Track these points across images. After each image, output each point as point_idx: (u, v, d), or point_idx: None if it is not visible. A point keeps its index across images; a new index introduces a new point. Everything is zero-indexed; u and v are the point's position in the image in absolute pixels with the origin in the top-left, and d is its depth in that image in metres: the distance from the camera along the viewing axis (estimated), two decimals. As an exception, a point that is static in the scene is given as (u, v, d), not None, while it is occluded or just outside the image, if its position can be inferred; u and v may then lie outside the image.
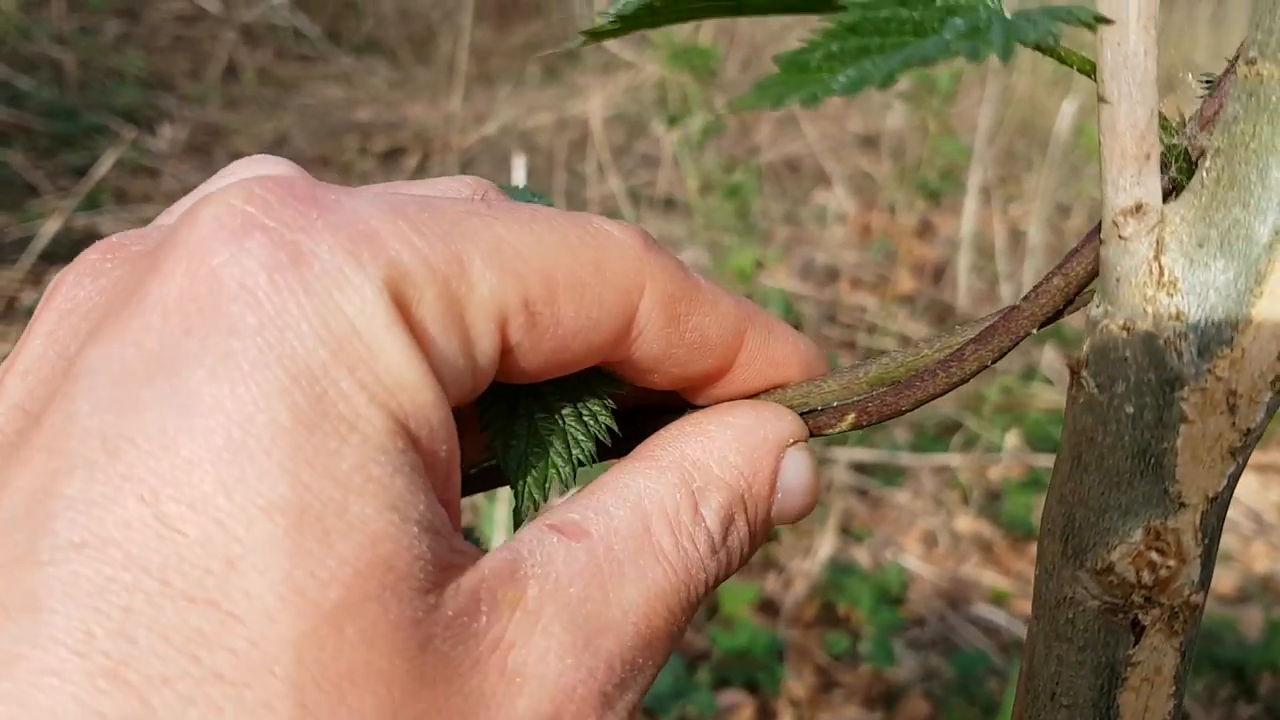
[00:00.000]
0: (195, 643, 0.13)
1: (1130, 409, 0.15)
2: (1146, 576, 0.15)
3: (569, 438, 0.21)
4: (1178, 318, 0.15)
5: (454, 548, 0.16)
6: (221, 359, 0.15)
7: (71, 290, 0.18)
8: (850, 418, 0.21)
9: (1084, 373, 0.16)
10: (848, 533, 1.35)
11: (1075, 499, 0.16)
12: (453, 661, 0.15)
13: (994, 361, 0.19)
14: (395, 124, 2.04)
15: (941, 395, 0.20)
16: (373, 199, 0.17)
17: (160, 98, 1.88)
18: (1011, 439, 1.49)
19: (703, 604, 0.21)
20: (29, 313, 1.28)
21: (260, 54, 2.15)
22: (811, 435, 0.22)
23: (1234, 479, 0.15)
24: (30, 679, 0.13)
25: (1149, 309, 0.15)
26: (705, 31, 1.94)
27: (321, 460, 0.14)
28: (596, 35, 0.21)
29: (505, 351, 0.18)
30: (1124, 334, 0.15)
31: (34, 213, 1.38)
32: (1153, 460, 0.15)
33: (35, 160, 1.53)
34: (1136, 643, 0.16)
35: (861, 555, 1.32)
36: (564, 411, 0.21)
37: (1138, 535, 0.15)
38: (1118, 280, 0.16)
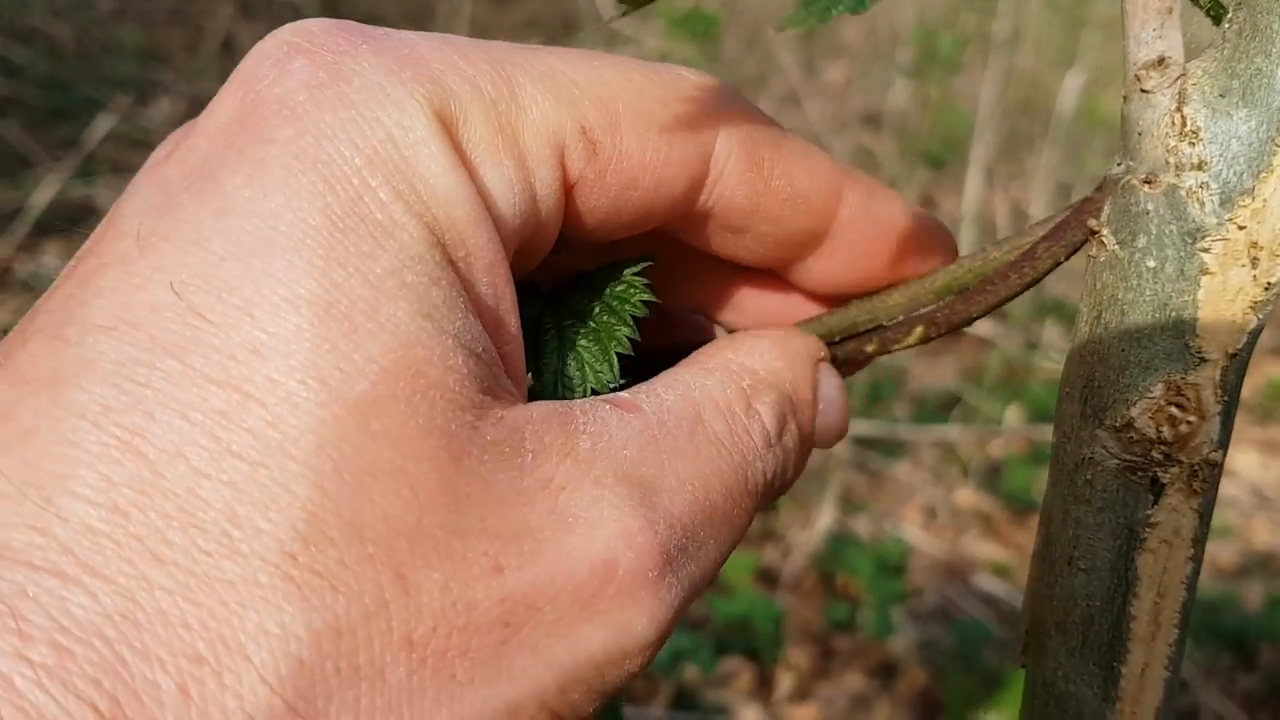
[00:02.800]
0: (213, 421, 0.13)
1: (1152, 263, 0.15)
2: (1167, 432, 0.15)
3: (600, 349, 0.20)
4: (1200, 167, 0.15)
5: (498, 380, 0.16)
6: (257, 165, 0.15)
7: (157, 153, 0.19)
8: (919, 330, 0.20)
9: (1104, 231, 0.16)
10: (847, 504, 1.35)
11: (1095, 358, 0.16)
12: (493, 486, 0.15)
13: (1067, 257, 0.18)
14: (393, 99, 2.03)
15: (1014, 297, 0.19)
16: (423, 35, 0.17)
17: (157, 71, 1.87)
18: (1012, 413, 1.49)
19: (767, 508, 0.20)
20: (24, 284, 1.28)
21: (257, 28, 2.13)
22: (879, 353, 0.21)
23: (1254, 336, 0.15)
24: (46, 448, 0.13)
25: (1171, 160, 0.15)
26: (706, 5, 1.93)
27: (354, 261, 0.14)
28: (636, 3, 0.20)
29: (569, 189, 0.17)
30: (1146, 187, 0.15)
31: (29, 184, 1.38)
32: (1173, 315, 0.15)
33: (31, 132, 1.52)
34: (1155, 502, 0.16)
35: (861, 527, 1.32)
36: (595, 319, 0.20)
37: (1158, 390, 0.15)
38: (1139, 134, 0.15)
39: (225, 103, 0.16)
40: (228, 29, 2.08)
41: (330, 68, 0.16)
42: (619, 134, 0.17)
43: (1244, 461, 1.43)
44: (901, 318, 0.21)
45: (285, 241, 0.14)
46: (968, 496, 1.40)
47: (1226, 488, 1.39)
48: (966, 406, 1.49)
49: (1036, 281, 0.19)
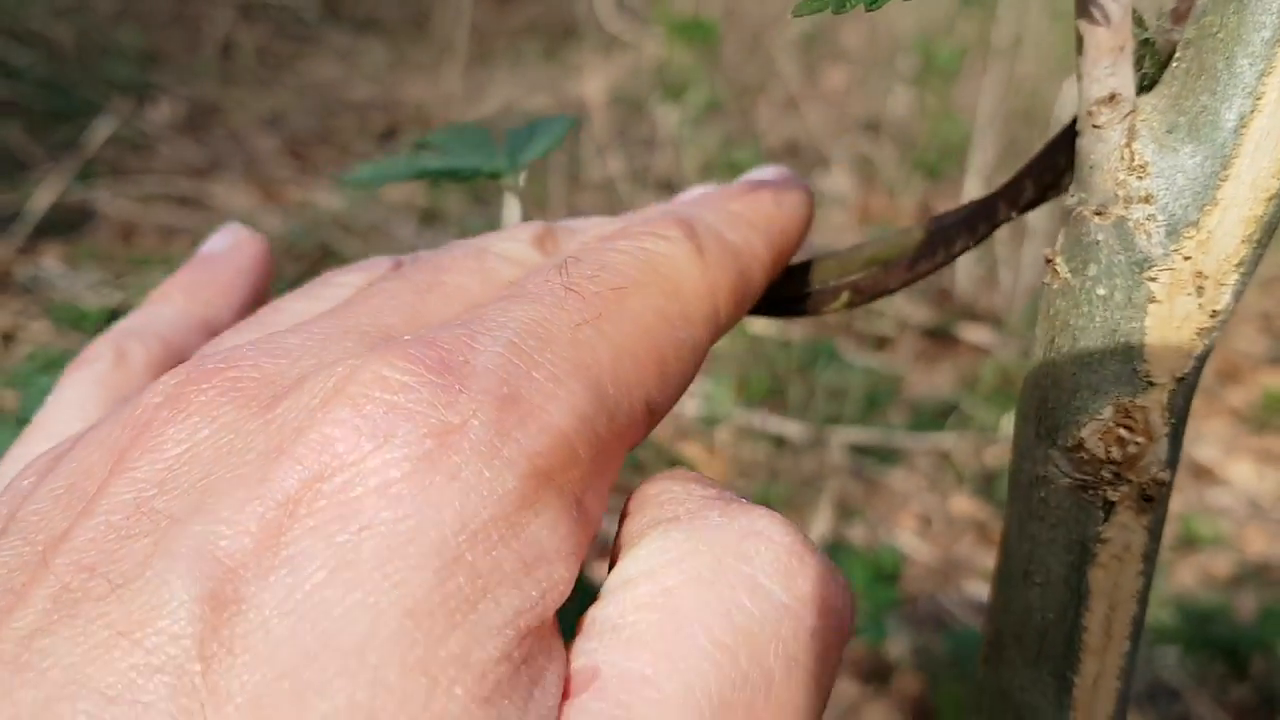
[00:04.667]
0: None
1: (1102, 291, 0.16)
2: (1116, 452, 0.16)
3: None
4: (1147, 200, 0.16)
5: None
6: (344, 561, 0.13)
7: (173, 432, 0.15)
8: (845, 295, 0.22)
9: (1058, 259, 0.17)
10: (843, 512, 1.35)
11: (1049, 381, 0.17)
12: None
13: (976, 244, 0.21)
14: (393, 103, 2.04)
15: (928, 274, 0.21)
16: (491, 341, 0.16)
17: (157, 74, 1.88)
18: (1007, 422, 1.49)
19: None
20: (23, 287, 1.28)
21: (258, 31, 2.14)
22: (810, 313, 0.23)
23: (1201, 361, 0.16)
24: None
25: (1120, 193, 0.16)
26: (706, 12, 1.93)
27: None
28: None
29: None
30: (1096, 218, 0.16)
31: (29, 187, 1.38)
32: (1122, 340, 0.16)
33: (31, 135, 1.53)
34: (1106, 520, 0.16)
35: (856, 534, 1.33)
36: None
37: (1107, 412, 0.16)
38: (1091, 168, 0.16)
39: (303, 460, 0.14)
40: (228, 32, 2.09)
41: (436, 435, 0.14)
42: (668, 381, 0.18)
43: (1239, 471, 1.43)
44: (832, 283, 0.23)
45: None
46: (963, 504, 1.41)
47: (1221, 497, 1.39)
48: (962, 415, 1.50)
49: (949, 261, 0.21)
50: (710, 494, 0.17)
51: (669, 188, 1.87)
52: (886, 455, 1.44)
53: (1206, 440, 1.45)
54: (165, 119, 1.76)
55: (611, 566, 0.16)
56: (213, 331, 0.25)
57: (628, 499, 0.18)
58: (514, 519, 0.14)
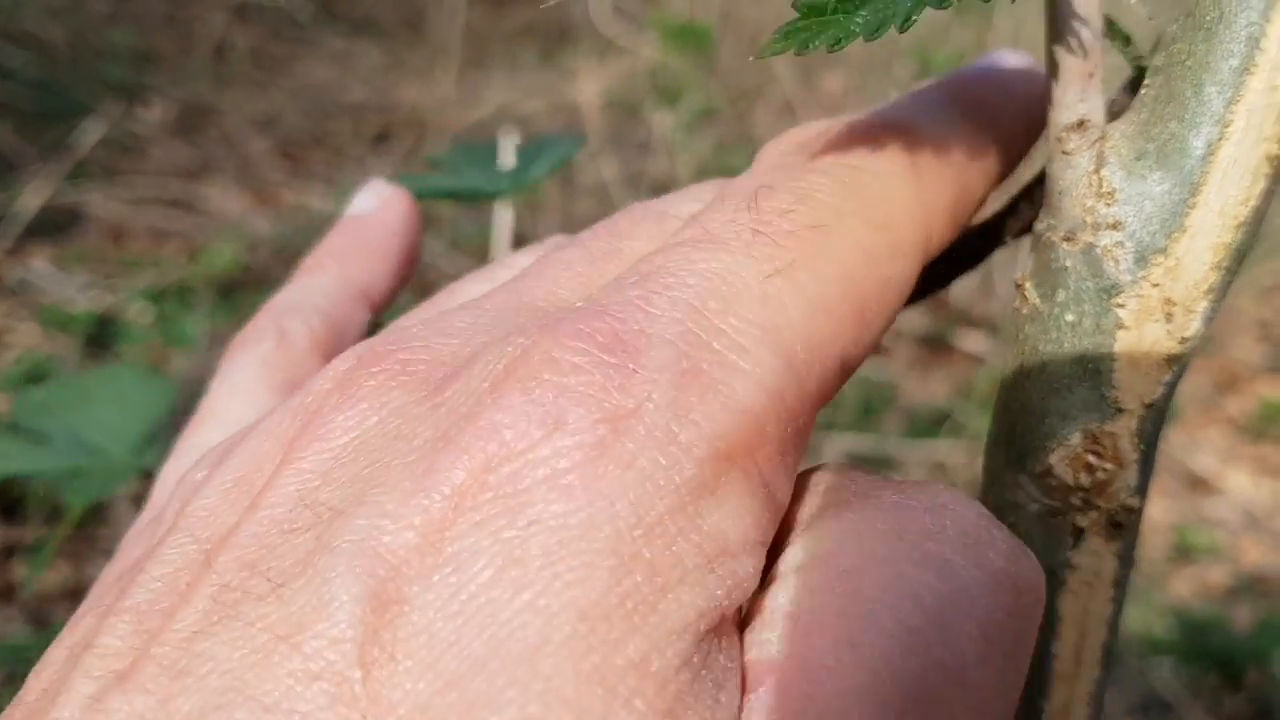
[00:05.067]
0: None
1: (1070, 317, 0.16)
2: (1084, 478, 0.16)
3: None
4: (1115, 227, 0.15)
5: None
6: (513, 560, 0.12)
7: (341, 420, 0.14)
8: None
9: (1027, 285, 0.17)
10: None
11: (1018, 407, 0.17)
12: None
13: (958, 276, 0.20)
14: (388, 106, 2.04)
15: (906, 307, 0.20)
16: (668, 304, 0.14)
17: (149, 75, 1.88)
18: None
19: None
20: (10, 290, 1.28)
21: (252, 33, 2.14)
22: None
23: (1170, 387, 0.16)
24: None
25: (1088, 219, 0.16)
26: (702, 17, 1.94)
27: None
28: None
29: None
30: (1065, 244, 0.16)
31: (18, 188, 1.38)
32: (1091, 367, 0.16)
33: (22, 135, 1.52)
34: (1075, 546, 0.16)
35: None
36: None
37: (1076, 439, 0.16)
38: (1060, 194, 0.16)
39: (471, 449, 0.13)
40: (221, 34, 2.09)
41: (609, 422, 0.13)
42: (869, 323, 0.16)
43: (1236, 481, 1.43)
44: None
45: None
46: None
47: (1217, 507, 1.40)
48: (956, 423, 1.50)
49: (924, 297, 0.20)
50: (879, 478, 0.15)
51: (664, 192, 1.87)
52: (881, 463, 1.44)
53: (1203, 450, 1.45)
54: (157, 120, 1.76)
55: (775, 553, 0.15)
56: (371, 298, 0.24)
57: None
58: (694, 509, 0.13)
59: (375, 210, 0.25)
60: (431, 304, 0.19)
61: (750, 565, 0.14)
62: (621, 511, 0.13)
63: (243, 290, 1.37)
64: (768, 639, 0.13)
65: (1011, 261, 1.78)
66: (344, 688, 0.12)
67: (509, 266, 0.19)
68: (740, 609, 0.14)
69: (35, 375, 1.06)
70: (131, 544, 0.17)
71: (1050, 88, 0.16)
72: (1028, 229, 0.19)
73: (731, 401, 0.14)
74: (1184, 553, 1.32)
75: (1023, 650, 0.14)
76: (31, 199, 1.34)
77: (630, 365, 0.13)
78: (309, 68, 2.17)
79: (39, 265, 1.33)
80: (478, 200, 0.26)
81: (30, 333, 1.22)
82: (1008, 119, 0.19)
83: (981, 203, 0.18)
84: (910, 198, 0.16)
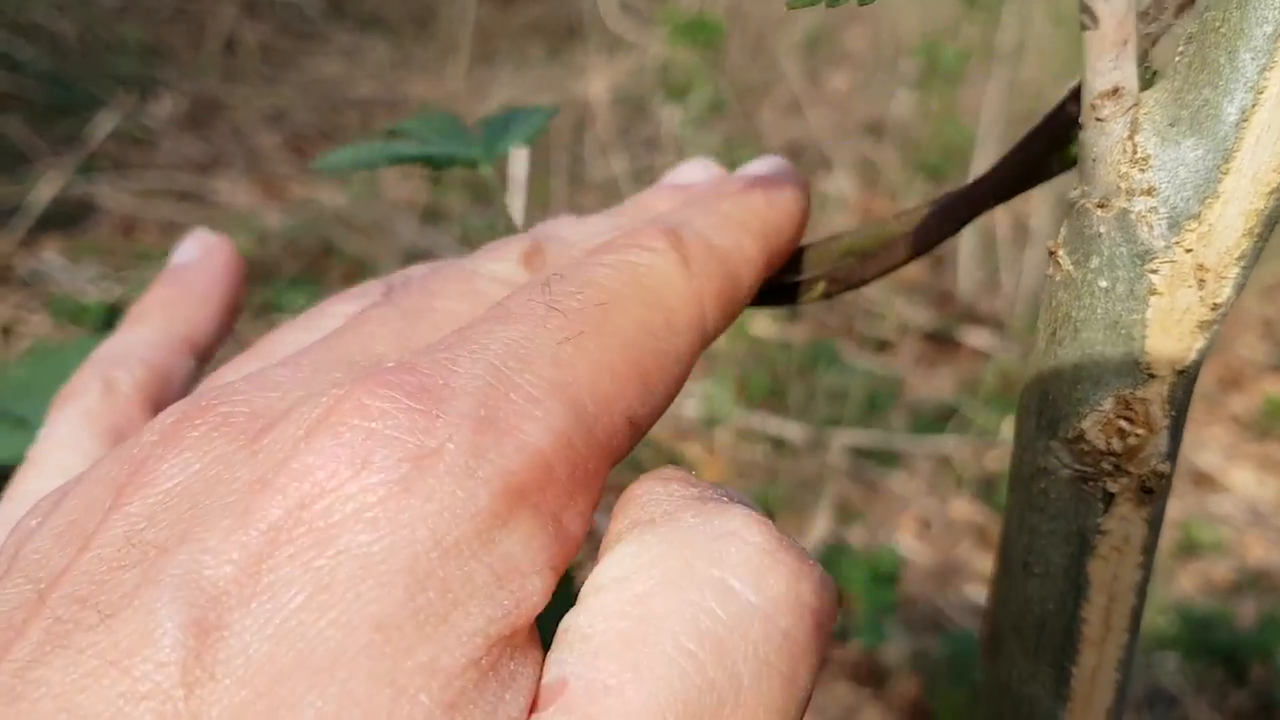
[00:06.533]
0: None
1: (1104, 283, 0.16)
2: (1116, 444, 0.16)
3: None
4: (1149, 193, 0.16)
5: None
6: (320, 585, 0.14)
7: (166, 468, 0.16)
8: (821, 286, 0.23)
9: (1060, 252, 0.17)
10: (842, 514, 1.35)
11: (1050, 373, 0.17)
12: None
13: (954, 232, 0.21)
14: (396, 101, 2.04)
15: (904, 264, 0.21)
16: (471, 363, 0.16)
17: (160, 69, 1.88)
18: (1008, 425, 1.49)
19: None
20: (24, 280, 1.28)
21: (261, 28, 2.15)
22: (785, 304, 0.23)
23: (1201, 354, 0.16)
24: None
25: (1123, 185, 0.16)
26: (710, 13, 1.94)
27: None
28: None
29: None
30: (1099, 210, 0.16)
31: (31, 180, 1.38)
32: (1124, 332, 0.16)
33: (33, 128, 1.53)
34: (1106, 511, 0.16)
35: (855, 537, 1.33)
36: None
37: (1108, 404, 0.16)
38: (1094, 160, 0.16)
39: (285, 490, 0.15)
40: (231, 28, 2.09)
41: (412, 460, 0.15)
42: (651, 393, 0.18)
43: (1240, 478, 1.43)
44: (808, 275, 0.23)
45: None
46: (962, 508, 1.41)
47: (1222, 504, 1.39)
48: (962, 418, 1.50)
49: (927, 250, 0.21)
50: (690, 493, 0.17)
51: (671, 188, 1.86)
52: (886, 458, 1.44)
53: (1207, 447, 1.45)
54: (167, 114, 1.76)
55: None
56: (195, 346, 0.25)
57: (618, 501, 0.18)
58: (487, 535, 0.14)
59: (198, 259, 0.27)
60: (253, 352, 0.21)
61: (539, 583, 0.15)
62: (420, 537, 0.14)
63: (252, 282, 1.38)
64: (564, 659, 0.15)
65: (1014, 261, 1.78)
66: (168, 705, 0.13)
67: (328, 315, 0.21)
68: (533, 625, 0.15)
69: (38, 365, 1.06)
70: None
71: (1085, 55, 0.16)
72: (1007, 196, 0.20)
73: (524, 444, 0.15)
74: (1189, 549, 1.32)
75: (805, 668, 0.15)
76: (43, 191, 1.35)
77: (434, 411, 0.15)
78: (318, 63, 2.18)
79: (50, 257, 1.33)
80: (451, 166, 0.26)
81: (42, 324, 1.23)
82: (772, 220, 0.21)
83: (753, 290, 0.21)
84: (681, 285, 0.19)
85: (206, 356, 0.26)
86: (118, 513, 0.15)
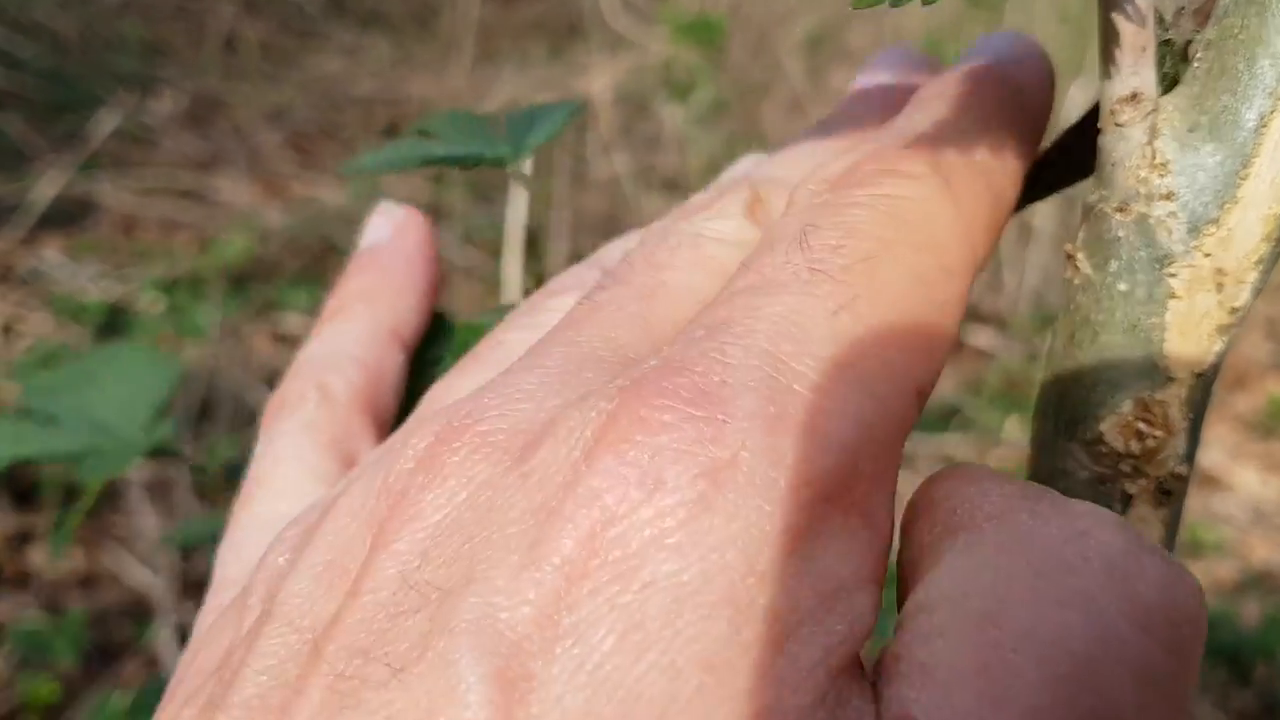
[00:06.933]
0: None
1: (1123, 286, 0.16)
2: (1134, 446, 0.16)
3: None
4: (1169, 197, 0.16)
5: None
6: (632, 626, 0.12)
7: (431, 498, 0.14)
8: None
9: (1079, 255, 0.17)
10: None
11: (1068, 375, 0.17)
12: None
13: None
14: (397, 99, 2.04)
15: None
16: (744, 352, 0.14)
17: (160, 67, 1.88)
18: (1011, 425, 1.49)
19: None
20: (22, 280, 1.28)
21: (261, 26, 2.14)
22: None
23: (1219, 357, 0.16)
24: None
25: (1142, 190, 0.16)
26: (712, 11, 1.94)
27: None
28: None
29: None
30: (1118, 215, 0.16)
31: (31, 178, 1.38)
32: (1142, 336, 0.16)
33: (34, 126, 1.53)
34: (1124, 512, 0.17)
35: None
36: None
37: (1127, 406, 0.16)
38: (1113, 165, 0.16)
39: (575, 519, 0.13)
40: (231, 26, 2.09)
41: (707, 477, 0.13)
42: (936, 360, 0.17)
43: (1243, 478, 1.43)
44: None
45: None
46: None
47: (1225, 504, 1.40)
48: (965, 418, 1.50)
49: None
50: (1011, 490, 0.15)
51: (674, 187, 1.87)
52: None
53: (1211, 446, 1.45)
54: (168, 112, 1.76)
55: (899, 584, 0.15)
56: (401, 338, 0.23)
57: (907, 504, 0.16)
58: (804, 552, 0.13)
59: (391, 239, 0.24)
60: (474, 359, 0.19)
61: (867, 599, 0.13)
62: (733, 562, 0.13)
63: (253, 281, 1.38)
64: (905, 694, 0.13)
65: (1017, 261, 1.78)
66: None
67: (545, 310, 0.19)
68: (863, 651, 0.14)
69: (48, 364, 1.06)
70: (214, 629, 0.17)
71: (1101, 60, 0.16)
72: (1031, 201, 0.19)
73: (825, 441, 0.14)
74: (1192, 549, 1.32)
75: (1187, 685, 0.13)
76: (44, 189, 1.35)
77: (720, 416, 0.13)
78: (319, 61, 2.18)
79: (51, 255, 1.33)
80: (479, 166, 0.25)
81: (43, 322, 1.23)
82: (1025, 114, 0.19)
83: (1012, 204, 0.18)
84: (950, 216, 0.16)
85: (411, 349, 0.23)
86: (385, 551, 0.14)
